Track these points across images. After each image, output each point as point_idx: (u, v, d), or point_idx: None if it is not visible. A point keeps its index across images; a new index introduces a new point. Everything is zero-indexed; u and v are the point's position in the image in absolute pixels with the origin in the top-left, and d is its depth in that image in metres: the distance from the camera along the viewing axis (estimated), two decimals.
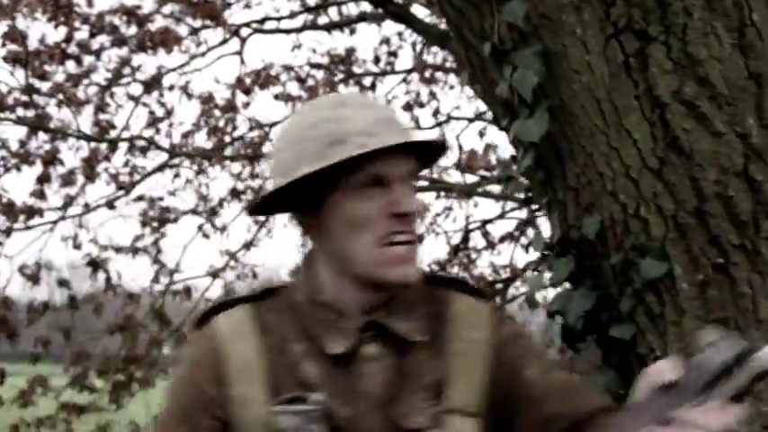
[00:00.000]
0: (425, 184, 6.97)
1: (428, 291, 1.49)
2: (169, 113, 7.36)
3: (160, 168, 7.23)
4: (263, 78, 7.06)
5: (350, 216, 1.38)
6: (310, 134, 1.39)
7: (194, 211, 7.44)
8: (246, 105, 7.34)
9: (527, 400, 1.43)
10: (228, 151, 7.27)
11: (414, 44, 7.61)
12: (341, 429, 1.37)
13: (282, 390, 1.39)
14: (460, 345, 1.45)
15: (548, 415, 1.42)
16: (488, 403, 1.43)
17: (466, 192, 6.95)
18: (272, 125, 7.30)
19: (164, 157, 7.34)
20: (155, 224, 7.30)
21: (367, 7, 7.28)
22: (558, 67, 2.16)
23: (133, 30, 6.73)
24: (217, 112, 7.27)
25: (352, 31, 7.51)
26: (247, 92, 7.09)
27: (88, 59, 6.92)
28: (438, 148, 1.47)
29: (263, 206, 1.49)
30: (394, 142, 1.35)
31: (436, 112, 7.73)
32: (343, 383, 1.39)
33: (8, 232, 6.89)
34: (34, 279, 7.09)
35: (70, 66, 6.87)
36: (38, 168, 7.00)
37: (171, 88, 7.41)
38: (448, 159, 7.04)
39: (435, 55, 7.67)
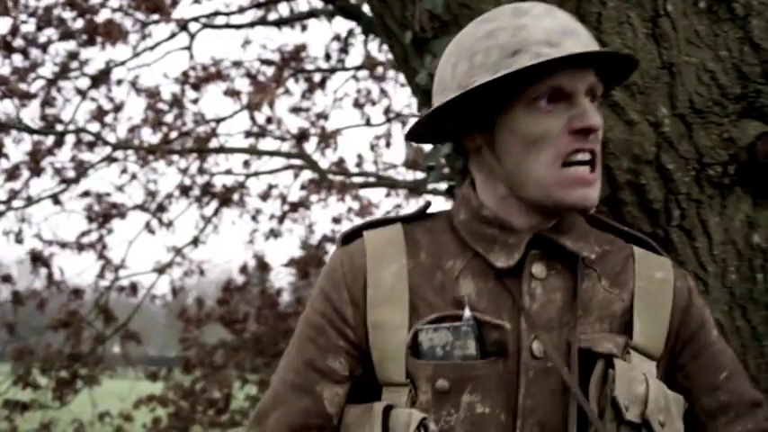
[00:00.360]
0: (372, 180, 6.97)
1: (599, 231, 1.40)
2: (117, 108, 7.29)
3: (104, 160, 7.16)
4: (209, 74, 7.01)
5: (528, 132, 1.26)
6: (486, 44, 1.28)
7: (141, 207, 7.38)
8: (195, 101, 7.30)
9: (701, 360, 1.37)
10: (175, 146, 7.22)
11: (365, 41, 7.61)
12: (498, 346, 1.27)
13: (430, 310, 1.29)
14: (647, 283, 1.36)
15: (719, 384, 1.36)
16: (665, 349, 1.35)
17: (412, 188, 6.95)
18: (220, 120, 7.27)
19: (109, 151, 7.27)
20: (100, 220, 7.22)
21: (318, 3, 7.26)
22: None
23: (80, 23, 6.66)
24: (164, 107, 7.21)
25: (303, 28, 7.49)
26: (195, 87, 7.04)
27: (35, 52, 6.84)
28: (626, 62, 1.34)
29: (426, 129, 1.37)
30: (578, 51, 1.24)
31: (387, 110, 7.74)
32: (504, 301, 1.30)
33: None
34: None
35: (17, 59, 6.79)
36: None
37: (119, 83, 7.35)
38: (396, 156, 7.09)
39: (387, 52, 7.67)
